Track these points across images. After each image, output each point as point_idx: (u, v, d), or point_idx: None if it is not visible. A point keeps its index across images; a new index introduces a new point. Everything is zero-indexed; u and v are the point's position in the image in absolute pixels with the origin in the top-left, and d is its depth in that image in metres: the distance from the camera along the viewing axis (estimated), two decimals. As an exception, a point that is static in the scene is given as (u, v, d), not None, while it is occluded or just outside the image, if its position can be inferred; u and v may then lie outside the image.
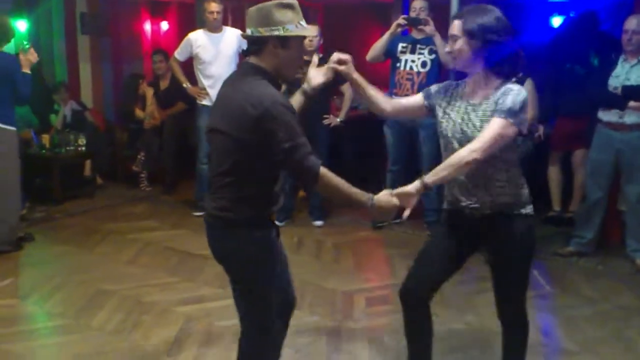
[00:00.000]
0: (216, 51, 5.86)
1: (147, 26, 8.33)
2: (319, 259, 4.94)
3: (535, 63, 5.70)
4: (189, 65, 6.06)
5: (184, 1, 8.21)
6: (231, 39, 5.91)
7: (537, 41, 6.38)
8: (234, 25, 6.56)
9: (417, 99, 2.81)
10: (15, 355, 3.48)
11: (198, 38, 5.88)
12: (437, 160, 5.63)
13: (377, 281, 4.65)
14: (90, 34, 7.60)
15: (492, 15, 2.52)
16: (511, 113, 2.44)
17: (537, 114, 4.76)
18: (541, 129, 5.27)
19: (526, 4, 7.03)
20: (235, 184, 2.38)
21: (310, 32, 2.63)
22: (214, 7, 5.77)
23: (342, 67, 2.64)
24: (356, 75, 2.71)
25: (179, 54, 6.01)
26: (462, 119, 2.58)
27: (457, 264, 2.89)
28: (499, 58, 2.52)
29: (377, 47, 5.33)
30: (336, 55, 2.65)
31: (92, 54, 7.67)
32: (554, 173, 5.76)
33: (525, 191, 2.69)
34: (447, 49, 2.64)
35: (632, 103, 4.51)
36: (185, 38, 5.96)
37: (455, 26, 2.54)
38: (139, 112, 7.14)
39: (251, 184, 2.39)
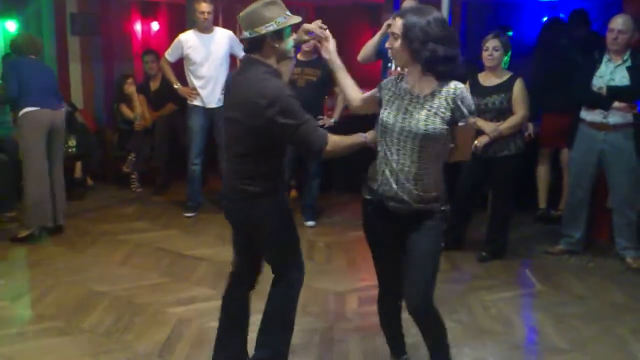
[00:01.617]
0: (207, 52, 5.85)
1: (138, 26, 8.30)
2: (311, 260, 4.94)
3: (526, 62, 5.75)
4: (180, 66, 6.05)
5: (174, 1, 8.19)
6: (222, 39, 5.90)
7: (528, 40, 6.44)
8: (224, 26, 6.55)
9: (373, 92, 2.86)
10: (6, 358, 3.46)
11: (189, 39, 5.87)
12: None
13: (369, 281, 4.63)
14: (80, 34, 7.56)
15: (430, 17, 2.55)
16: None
17: (528, 114, 4.78)
18: (530, 127, 5.30)
19: (518, 4, 7.08)
20: (252, 162, 2.82)
21: (296, 19, 2.84)
22: (205, 7, 5.76)
23: (322, 44, 2.91)
24: (335, 57, 2.91)
25: (170, 54, 5.99)
26: (406, 110, 2.66)
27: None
28: (435, 61, 2.56)
29: (369, 47, 5.33)
30: (307, 26, 2.92)
31: (82, 55, 7.63)
32: (542, 171, 5.80)
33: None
34: (387, 45, 2.71)
35: (616, 103, 4.54)
36: (176, 39, 5.95)
37: (397, 25, 2.61)
38: (127, 111, 7.10)
39: (265, 162, 2.83)
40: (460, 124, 2.61)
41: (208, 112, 5.95)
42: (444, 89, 2.61)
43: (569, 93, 4.90)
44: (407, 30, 2.56)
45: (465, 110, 2.60)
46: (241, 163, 2.85)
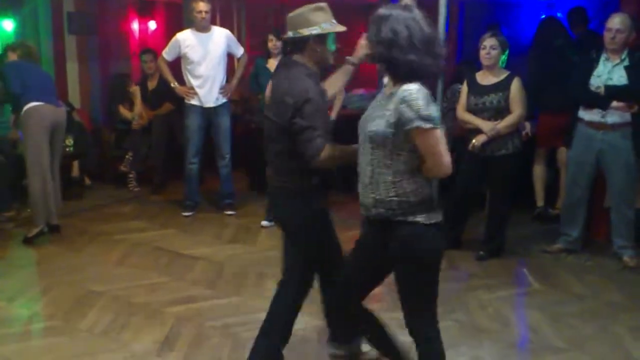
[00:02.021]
0: (205, 51, 5.84)
1: (135, 26, 8.29)
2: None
3: (524, 61, 5.75)
4: (177, 65, 6.04)
5: (171, 1, 8.18)
6: (219, 38, 5.90)
7: (525, 40, 6.43)
8: (222, 25, 6.55)
9: None
10: (3, 358, 3.46)
11: (186, 38, 5.87)
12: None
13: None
14: (77, 33, 7.55)
15: (386, 24, 2.44)
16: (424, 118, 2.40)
17: (526, 113, 4.78)
18: (528, 127, 5.30)
19: (515, 3, 7.08)
20: (286, 160, 2.89)
21: (341, 28, 2.91)
22: (202, 6, 5.75)
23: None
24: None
25: (167, 53, 5.99)
26: (372, 111, 2.61)
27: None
28: (391, 67, 2.49)
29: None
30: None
31: (79, 54, 7.62)
32: (539, 170, 5.80)
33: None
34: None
35: (614, 103, 4.54)
36: (174, 38, 5.94)
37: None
38: (124, 112, 7.10)
39: (297, 160, 2.82)
40: (406, 128, 2.39)
41: (205, 112, 5.94)
42: (398, 91, 2.44)
43: (565, 92, 4.90)
44: (369, 36, 2.54)
45: (410, 115, 2.37)
46: (277, 160, 2.96)
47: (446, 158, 2.44)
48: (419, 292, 2.69)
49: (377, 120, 2.49)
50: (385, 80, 2.69)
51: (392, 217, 2.52)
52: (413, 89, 2.38)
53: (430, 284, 2.69)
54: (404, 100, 2.38)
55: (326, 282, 3.12)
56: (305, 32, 2.82)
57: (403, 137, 2.42)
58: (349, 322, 3.11)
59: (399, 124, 2.40)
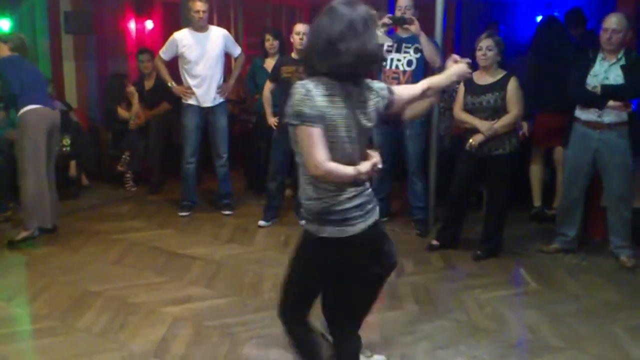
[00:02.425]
0: (202, 51, 5.83)
1: (132, 25, 8.28)
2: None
3: (520, 61, 5.76)
4: (175, 65, 6.04)
5: (169, 0, 8.17)
6: (217, 38, 5.89)
7: (522, 39, 6.44)
8: (219, 25, 6.55)
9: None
10: (1, 357, 3.45)
11: (183, 37, 5.86)
12: (422, 158, 5.70)
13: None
14: (74, 32, 7.54)
15: (328, 22, 2.34)
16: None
17: (522, 112, 4.79)
18: (525, 126, 5.30)
19: (512, 2, 7.09)
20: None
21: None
22: (199, 6, 5.74)
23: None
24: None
25: (164, 53, 5.98)
26: None
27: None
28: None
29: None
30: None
31: (76, 53, 7.61)
32: (535, 170, 5.81)
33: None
34: None
35: (611, 102, 4.55)
36: (171, 37, 5.93)
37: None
38: (122, 112, 7.09)
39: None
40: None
41: (203, 111, 5.93)
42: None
43: (562, 92, 4.91)
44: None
45: (287, 110, 2.36)
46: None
47: (312, 158, 2.31)
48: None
49: None
50: None
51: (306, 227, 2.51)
52: (298, 85, 2.33)
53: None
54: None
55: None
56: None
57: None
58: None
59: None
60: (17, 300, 4.24)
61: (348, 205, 2.41)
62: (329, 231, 2.42)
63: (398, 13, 5.23)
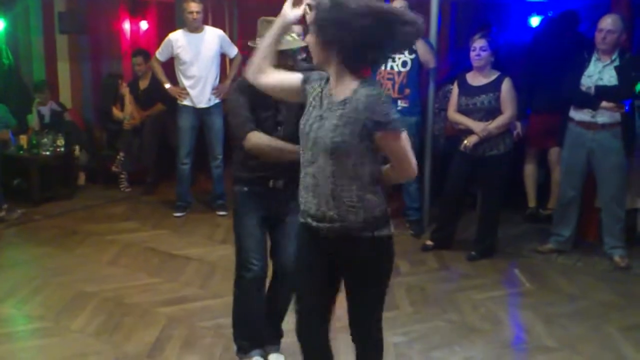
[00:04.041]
0: (196, 51, 5.83)
1: (126, 25, 8.26)
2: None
3: (514, 62, 5.77)
4: (170, 65, 6.03)
5: (163, 0, 8.15)
6: (212, 39, 5.88)
7: (516, 41, 6.45)
8: (214, 25, 6.53)
9: (294, 78, 2.48)
10: (-6, 359, 3.45)
11: (178, 38, 5.85)
12: (417, 159, 5.67)
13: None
14: (68, 32, 7.52)
15: (339, 6, 2.19)
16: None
17: (516, 113, 4.80)
18: (519, 127, 5.32)
19: (505, 4, 7.09)
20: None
21: (287, 45, 2.83)
22: (194, 7, 5.73)
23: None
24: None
25: (160, 54, 5.97)
26: (322, 117, 2.34)
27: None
28: (348, 53, 2.23)
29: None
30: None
31: (70, 53, 7.59)
32: (530, 170, 5.82)
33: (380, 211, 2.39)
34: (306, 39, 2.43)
35: (604, 103, 4.57)
36: (166, 38, 5.93)
37: (309, 18, 2.33)
38: (117, 112, 7.08)
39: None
40: (377, 134, 2.24)
41: (198, 112, 5.93)
42: (360, 92, 2.24)
43: (556, 93, 4.92)
44: (314, 22, 2.27)
45: (380, 119, 2.21)
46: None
47: (412, 162, 2.35)
48: (378, 299, 2.59)
49: (334, 129, 2.26)
50: (331, 84, 2.37)
51: (363, 235, 2.36)
52: (380, 92, 2.27)
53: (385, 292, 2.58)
54: (372, 105, 2.21)
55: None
56: (253, 44, 2.95)
57: (372, 147, 2.28)
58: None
59: (366, 132, 2.24)
60: (11, 301, 4.22)
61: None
62: (390, 228, 2.44)
63: (393, 14, 5.23)
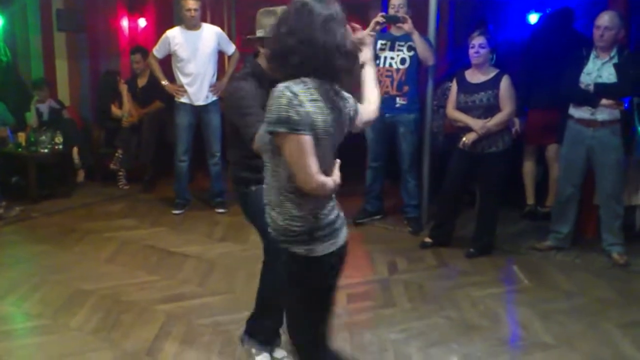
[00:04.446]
0: (194, 49, 5.82)
1: (124, 23, 8.25)
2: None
3: (513, 60, 5.77)
4: (168, 62, 6.02)
5: (161, -3, 8.15)
6: (209, 36, 5.87)
7: (514, 38, 6.45)
8: (212, 23, 6.53)
9: None
10: (-8, 356, 3.45)
11: (176, 35, 5.84)
12: (415, 156, 5.70)
13: (358, 277, 4.65)
14: (66, 30, 7.51)
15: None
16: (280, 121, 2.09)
17: (515, 110, 4.80)
18: (517, 123, 5.32)
19: (504, 1, 7.09)
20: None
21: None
22: (192, 4, 5.73)
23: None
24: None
25: (157, 51, 5.96)
26: None
27: None
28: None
29: (356, 44, 5.33)
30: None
31: (68, 51, 7.58)
32: (528, 167, 5.82)
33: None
34: None
35: (604, 100, 4.57)
36: (163, 35, 5.92)
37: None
38: (115, 110, 7.08)
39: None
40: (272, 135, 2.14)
41: (195, 109, 5.92)
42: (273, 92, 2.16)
43: (554, 90, 4.92)
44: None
45: (269, 119, 2.11)
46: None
47: (304, 170, 2.10)
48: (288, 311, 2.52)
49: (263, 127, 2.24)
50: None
51: (281, 246, 2.29)
52: (277, 89, 2.12)
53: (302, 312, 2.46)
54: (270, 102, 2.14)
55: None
56: (257, 34, 2.92)
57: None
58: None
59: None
60: (9, 298, 4.22)
61: (332, 216, 2.29)
62: (322, 249, 2.25)
63: (391, 11, 5.24)
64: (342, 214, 2.37)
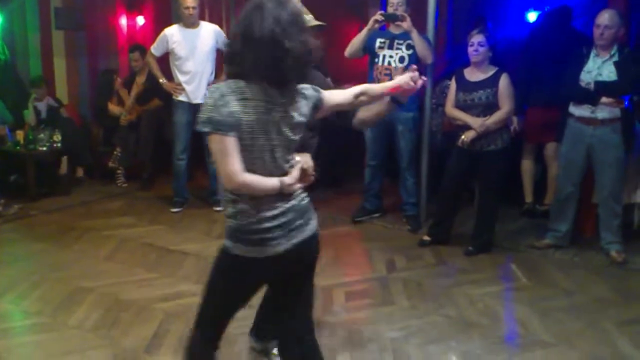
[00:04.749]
0: (192, 47, 5.82)
1: (123, 21, 8.24)
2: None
3: (512, 58, 5.77)
4: (166, 60, 6.01)
5: (160, -4, 8.14)
6: (208, 34, 5.87)
7: (513, 36, 6.45)
8: (210, 21, 6.52)
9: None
10: (-9, 354, 3.44)
11: (174, 33, 5.84)
12: (414, 154, 5.70)
13: (356, 275, 4.66)
14: (65, 28, 7.50)
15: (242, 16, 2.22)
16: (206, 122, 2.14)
17: (514, 108, 4.81)
18: (515, 121, 5.33)
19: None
20: None
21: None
22: (190, 2, 5.72)
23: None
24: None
25: (155, 49, 5.96)
26: None
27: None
28: (224, 56, 2.29)
29: (356, 43, 5.34)
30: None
31: (67, 49, 7.57)
32: (526, 165, 5.83)
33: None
34: None
35: (604, 99, 4.58)
36: (162, 33, 5.92)
37: None
38: (113, 108, 7.07)
39: None
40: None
41: (193, 108, 5.90)
42: None
43: (553, 88, 4.92)
44: None
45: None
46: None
47: (225, 168, 2.15)
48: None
49: None
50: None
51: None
52: (213, 87, 2.20)
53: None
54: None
55: None
56: None
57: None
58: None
59: None
60: (8, 296, 4.22)
61: (268, 224, 2.24)
62: (242, 250, 2.27)
63: (390, 10, 5.24)
64: (297, 223, 2.31)
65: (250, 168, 2.17)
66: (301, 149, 2.39)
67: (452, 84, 4.96)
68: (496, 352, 3.51)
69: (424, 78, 2.58)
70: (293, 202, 2.30)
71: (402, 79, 2.52)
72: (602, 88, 4.57)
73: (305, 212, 2.36)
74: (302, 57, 2.16)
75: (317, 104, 2.34)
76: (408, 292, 4.26)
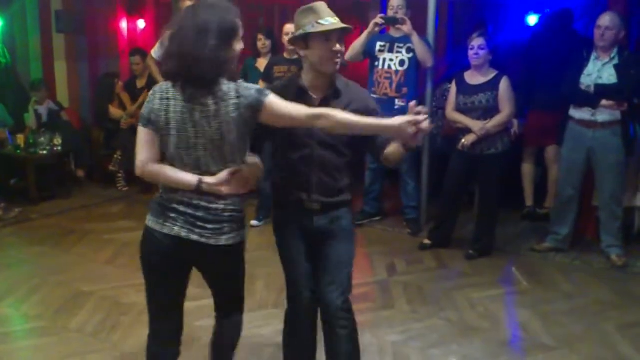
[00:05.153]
0: (193, 50, 5.81)
1: (124, 24, 8.24)
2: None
3: (512, 61, 5.77)
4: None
5: (160, -1, 8.14)
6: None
7: (513, 39, 6.46)
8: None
9: None
10: (-8, 358, 3.44)
11: (175, 36, 5.83)
12: (415, 158, 5.69)
13: (357, 279, 4.62)
14: (65, 31, 7.50)
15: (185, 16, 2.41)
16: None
17: (514, 112, 4.81)
18: (516, 124, 5.33)
19: (503, 3, 7.10)
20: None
21: (328, 26, 2.55)
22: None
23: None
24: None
25: (156, 52, 5.93)
26: None
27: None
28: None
29: (356, 46, 5.34)
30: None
31: (67, 53, 7.58)
32: (527, 169, 5.83)
33: None
34: None
35: (604, 101, 4.58)
36: (162, 37, 5.90)
37: None
38: (114, 111, 7.07)
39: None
40: None
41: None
42: None
43: (553, 91, 4.93)
44: None
45: None
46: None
47: (136, 157, 2.49)
48: None
49: None
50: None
51: None
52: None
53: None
54: None
55: None
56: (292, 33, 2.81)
57: None
58: None
59: None
60: (8, 300, 4.22)
61: (174, 205, 2.45)
62: (150, 221, 2.55)
63: (390, 13, 5.24)
64: (199, 223, 2.45)
65: (171, 162, 2.41)
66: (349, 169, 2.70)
67: (453, 87, 4.96)
68: (497, 356, 3.51)
69: (425, 119, 2.29)
70: (213, 205, 2.41)
71: (399, 121, 2.31)
72: (602, 91, 4.57)
73: (224, 221, 2.47)
74: (214, 63, 2.24)
75: (256, 107, 2.30)
76: (409, 296, 4.26)
